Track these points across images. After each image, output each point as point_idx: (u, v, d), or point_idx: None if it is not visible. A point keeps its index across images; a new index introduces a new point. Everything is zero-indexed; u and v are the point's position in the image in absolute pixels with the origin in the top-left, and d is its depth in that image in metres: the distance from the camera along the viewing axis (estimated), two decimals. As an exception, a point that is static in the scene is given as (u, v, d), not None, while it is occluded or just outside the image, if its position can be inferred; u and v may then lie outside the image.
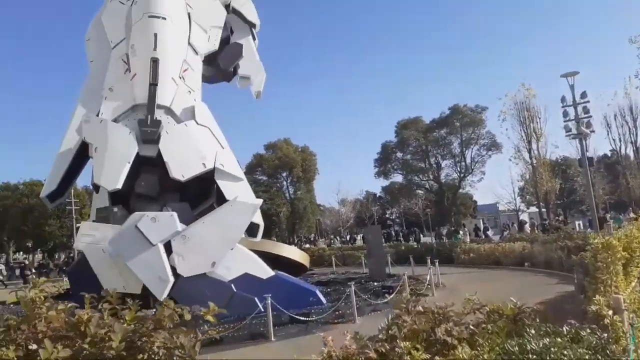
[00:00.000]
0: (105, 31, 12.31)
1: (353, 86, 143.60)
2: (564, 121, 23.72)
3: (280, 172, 69.42)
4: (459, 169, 60.48)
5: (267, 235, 58.28)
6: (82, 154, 10.48)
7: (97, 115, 10.52)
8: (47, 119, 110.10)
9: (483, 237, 34.55)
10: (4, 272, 35.07)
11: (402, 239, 44.83)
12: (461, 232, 35.75)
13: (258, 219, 9.66)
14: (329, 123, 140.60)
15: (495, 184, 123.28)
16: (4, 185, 50.82)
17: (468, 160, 60.12)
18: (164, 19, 12.02)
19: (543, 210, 44.02)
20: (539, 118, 40.17)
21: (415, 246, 29.15)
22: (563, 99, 23.52)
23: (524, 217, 54.24)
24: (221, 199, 9.72)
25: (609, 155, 61.89)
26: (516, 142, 43.58)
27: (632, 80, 38.24)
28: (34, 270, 36.29)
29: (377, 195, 76.04)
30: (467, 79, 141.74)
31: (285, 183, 71.05)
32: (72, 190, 43.26)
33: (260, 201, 9.87)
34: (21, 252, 60.37)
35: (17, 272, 38.14)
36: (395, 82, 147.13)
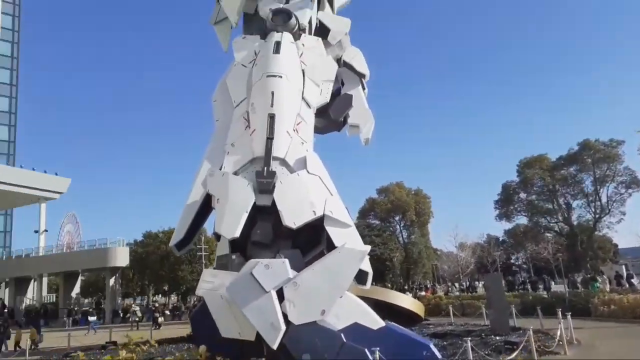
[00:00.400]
0: (229, 92, 13.51)
1: (468, 127, 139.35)
2: None
3: (393, 216, 68.66)
4: (593, 209, 54.83)
5: (380, 281, 57.65)
6: (206, 206, 11.40)
7: (220, 169, 11.46)
8: (182, 174, 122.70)
9: (626, 285, 30.52)
10: (139, 314, 38.15)
11: (529, 287, 41.26)
12: (599, 279, 31.92)
13: (367, 266, 9.61)
14: (443, 164, 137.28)
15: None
16: (146, 233, 56.55)
17: (604, 200, 54.32)
18: (280, 77, 12.91)
19: None
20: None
21: (545, 295, 26.64)
22: None
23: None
24: (330, 246, 9.86)
25: None
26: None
27: None
28: (165, 313, 39.32)
29: (500, 239, 71.41)
30: (596, 112, 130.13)
31: (398, 227, 70.00)
32: (203, 237, 46.94)
33: (368, 248, 9.83)
34: (159, 295, 66.12)
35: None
36: (515, 118, 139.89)
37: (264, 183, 10.74)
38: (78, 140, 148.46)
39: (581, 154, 53.81)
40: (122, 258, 45.43)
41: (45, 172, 52.31)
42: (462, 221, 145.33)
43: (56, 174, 53.32)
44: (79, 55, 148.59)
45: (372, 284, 10.84)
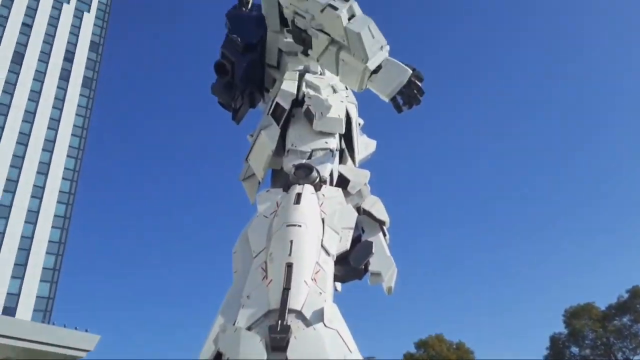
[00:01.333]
0: (249, 243, 13.42)
1: (508, 275, 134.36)
2: None
3: (434, 374, 62.78)
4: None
5: None
6: (217, 365, 10.52)
7: (234, 324, 10.82)
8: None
9: None
10: None
11: None
12: None
13: None
14: (486, 314, 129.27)
15: None
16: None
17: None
18: (300, 226, 12.84)
19: None
20: None
21: None
22: None
23: None
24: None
25: None
26: None
27: None
28: None
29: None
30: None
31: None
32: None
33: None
34: None
35: None
36: (558, 266, 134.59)
37: (277, 339, 9.92)
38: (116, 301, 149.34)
39: (632, 302, 49.74)
40: None
41: (76, 328, 51.93)
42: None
43: (86, 330, 52.67)
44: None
45: None
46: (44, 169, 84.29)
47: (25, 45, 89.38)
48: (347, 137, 13.62)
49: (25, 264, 77.53)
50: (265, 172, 16.57)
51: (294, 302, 11.30)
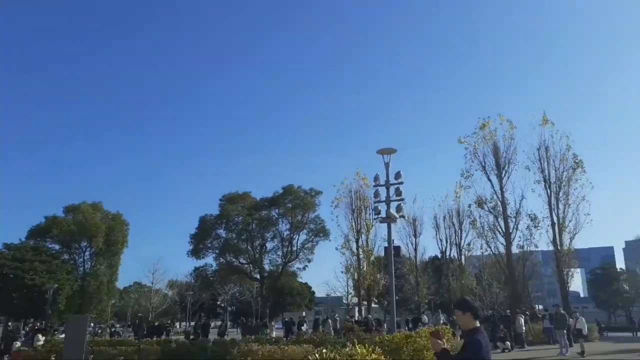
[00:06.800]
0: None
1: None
2: (374, 202, 19.64)
3: (78, 240, 57.10)
4: (283, 254, 54.88)
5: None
6: None
7: None
8: None
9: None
10: None
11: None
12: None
13: None
14: (148, 195, 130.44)
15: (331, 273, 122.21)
16: None
17: (296, 245, 55.20)
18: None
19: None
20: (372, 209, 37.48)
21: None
22: (376, 178, 19.50)
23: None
24: None
25: (439, 257, 62.49)
26: (346, 231, 40.54)
27: (463, 182, 37.74)
28: None
29: (205, 277, 66.62)
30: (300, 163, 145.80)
31: (83, 255, 58.65)
32: None
33: None
34: None
35: None
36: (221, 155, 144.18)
37: None
38: None
39: (283, 198, 54.05)
40: None
41: None
42: (167, 255, 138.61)
43: None
44: None
45: None
46: None
47: None
48: None
49: None
50: None
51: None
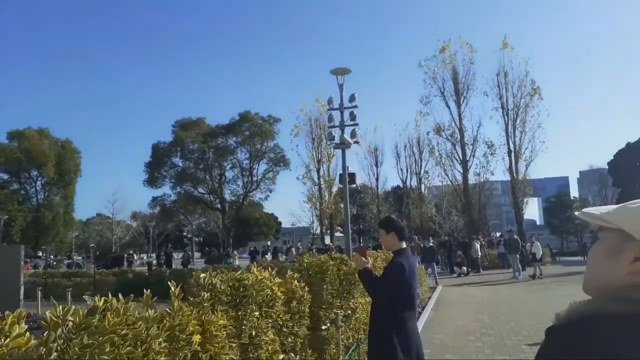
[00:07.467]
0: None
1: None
2: (328, 126, 18.40)
3: (28, 169, 54.34)
4: (244, 183, 53.63)
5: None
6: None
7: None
8: None
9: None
10: None
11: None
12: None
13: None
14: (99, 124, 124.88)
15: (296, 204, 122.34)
16: None
17: (258, 176, 54.03)
18: None
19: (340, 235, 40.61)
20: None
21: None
22: (330, 101, 18.07)
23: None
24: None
25: (401, 186, 62.57)
26: (307, 161, 39.45)
27: (422, 109, 36.79)
28: None
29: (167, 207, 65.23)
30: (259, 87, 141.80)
31: (35, 184, 56.10)
32: None
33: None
34: None
35: None
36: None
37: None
38: None
39: (240, 125, 51.68)
40: None
41: None
42: (126, 186, 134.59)
43: None
44: None
45: None
46: None
47: None
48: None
49: None
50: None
51: None
